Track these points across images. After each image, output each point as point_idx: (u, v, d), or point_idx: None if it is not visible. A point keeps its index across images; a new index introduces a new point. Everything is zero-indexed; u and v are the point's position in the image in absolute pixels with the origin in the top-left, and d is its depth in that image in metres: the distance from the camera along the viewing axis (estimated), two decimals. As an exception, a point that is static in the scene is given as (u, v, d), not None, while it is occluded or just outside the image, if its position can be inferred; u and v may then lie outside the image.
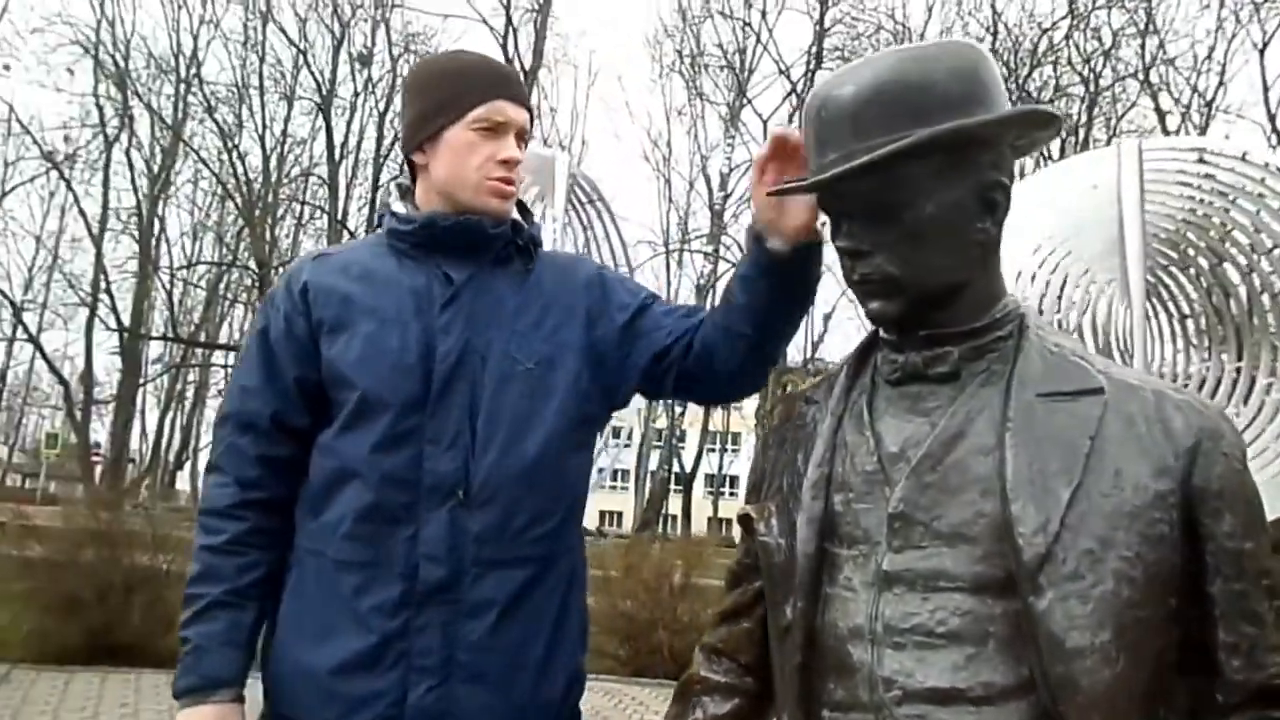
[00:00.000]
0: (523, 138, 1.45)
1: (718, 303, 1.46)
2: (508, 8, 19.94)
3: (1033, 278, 4.05)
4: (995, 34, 19.50)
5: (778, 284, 1.33)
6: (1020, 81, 18.92)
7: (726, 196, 22.73)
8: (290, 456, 1.41)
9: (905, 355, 1.00)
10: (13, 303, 24.13)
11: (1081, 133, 17.76)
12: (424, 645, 1.31)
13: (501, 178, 1.41)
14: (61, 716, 5.17)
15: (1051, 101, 19.04)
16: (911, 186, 0.95)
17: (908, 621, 0.90)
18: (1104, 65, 18.60)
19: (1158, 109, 18.03)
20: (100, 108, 22.40)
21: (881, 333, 1.06)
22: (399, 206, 1.46)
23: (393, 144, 21.61)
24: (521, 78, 1.56)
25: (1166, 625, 0.87)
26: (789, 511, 1.02)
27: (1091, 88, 18.57)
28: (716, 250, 22.21)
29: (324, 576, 1.35)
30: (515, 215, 1.48)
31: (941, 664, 0.88)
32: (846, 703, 0.93)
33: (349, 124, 23.19)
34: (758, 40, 23.32)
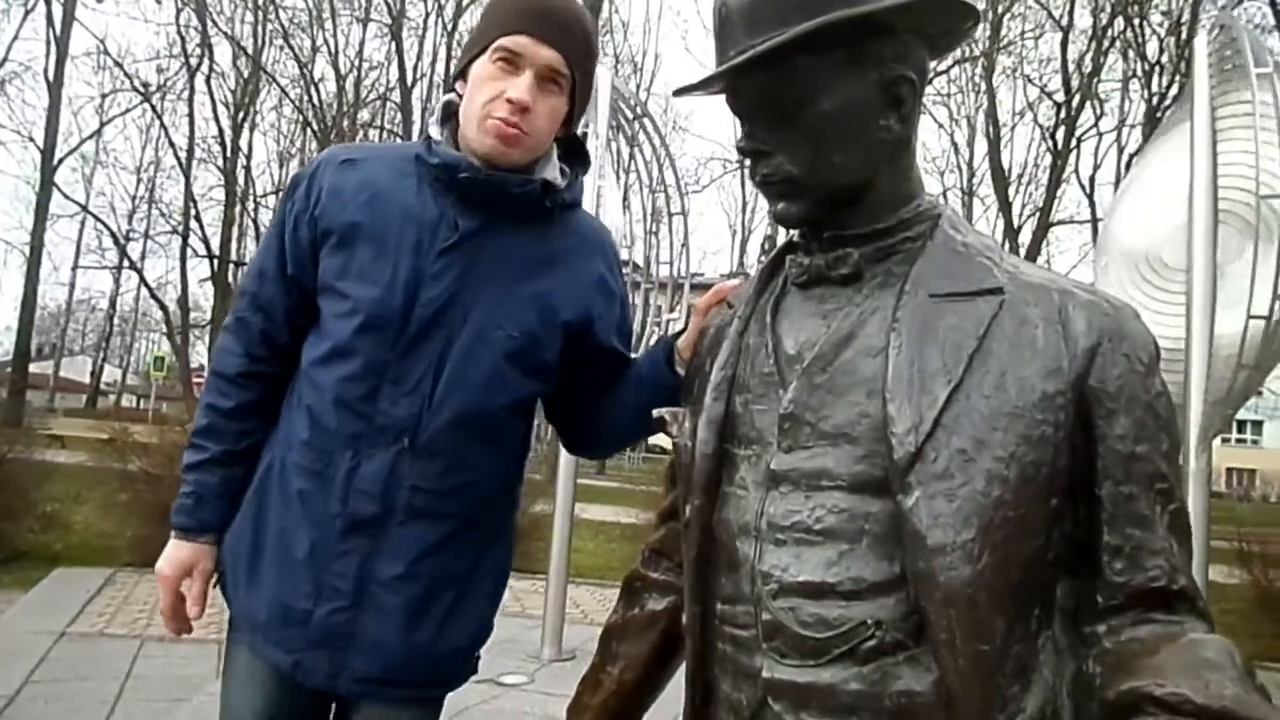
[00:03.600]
0: (552, 79, 1.36)
1: (609, 390, 1.48)
2: (576, -81, 19.42)
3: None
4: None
5: (662, 398, 1.30)
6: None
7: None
8: (289, 343, 1.48)
9: (811, 258, 1.00)
10: (113, 234, 25.36)
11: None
12: (341, 568, 1.36)
13: (503, 118, 1.33)
14: (158, 614, 5.59)
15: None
16: (807, 82, 0.92)
17: (789, 519, 0.91)
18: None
19: (1274, 4, 16.50)
20: (183, 37, 22.96)
21: (794, 235, 1.04)
22: (435, 131, 1.44)
23: (463, 66, 21.58)
24: (575, 12, 1.40)
25: (1045, 526, 0.86)
26: (696, 414, 1.03)
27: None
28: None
29: (283, 477, 1.42)
30: (551, 174, 1.43)
31: (815, 559, 0.89)
32: (733, 596, 0.96)
33: (420, 45, 23.21)
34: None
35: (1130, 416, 0.87)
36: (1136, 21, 17.89)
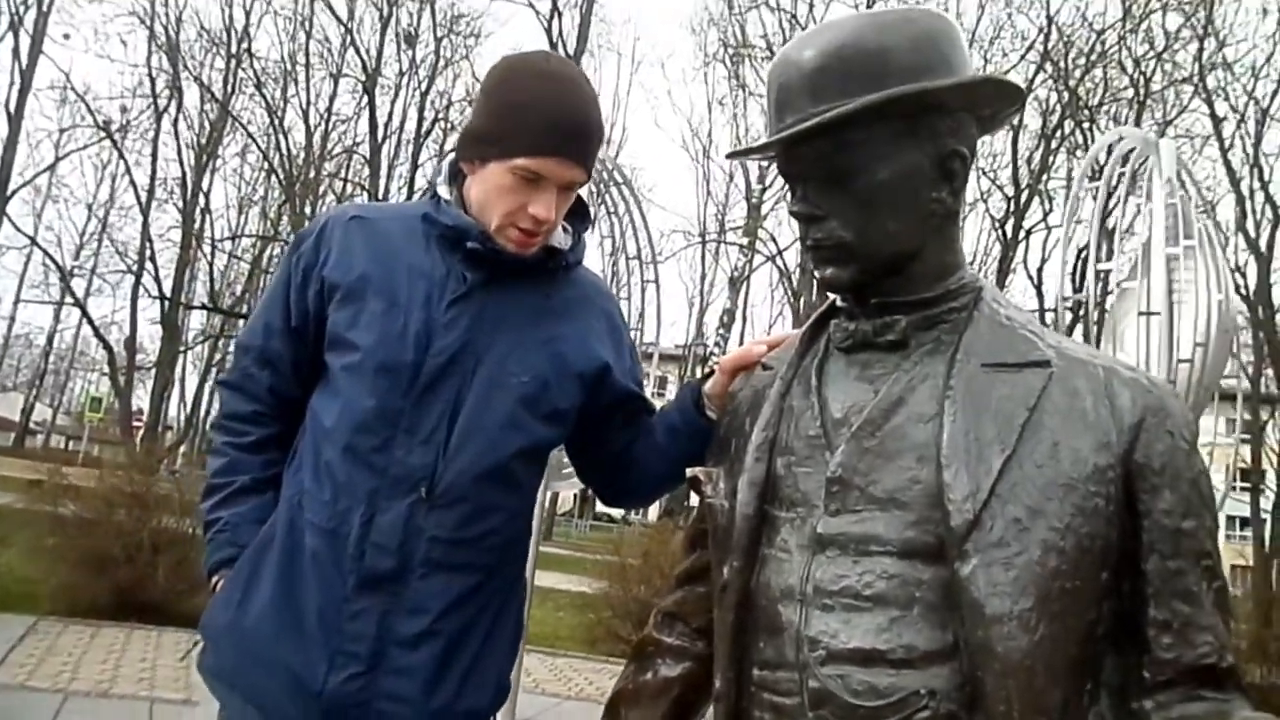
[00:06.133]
0: (571, 187, 1.39)
1: (640, 437, 1.49)
2: (553, -8, 19.94)
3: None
4: (1048, 36, 19.13)
5: (697, 444, 1.31)
6: (1071, 85, 18.56)
7: (764, 190, 22.58)
8: (300, 398, 1.45)
9: (856, 323, 1.01)
10: (60, 268, 24.75)
11: (1129, 138, 17.31)
12: (356, 630, 1.30)
13: (526, 229, 1.36)
14: (83, 668, 5.31)
15: (1100, 105, 18.62)
16: (865, 151, 0.95)
17: (837, 584, 0.90)
18: (1155, 68, 18.18)
19: (1213, 115, 17.57)
20: (152, 79, 22.86)
21: (838, 300, 1.06)
22: (444, 191, 1.44)
23: (433, 125, 21.81)
24: (596, 121, 1.39)
25: (1099, 599, 0.87)
26: (734, 474, 1.03)
27: (1142, 92, 18.16)
28: (752, 244, 22.07)
29: (290, 537, 1.36)
30: (555, 240, 1.43)
31: (865, 626, 0.88)
32: (774, 661, 0.94)
33: (393, 104, 23.36)
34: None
35: (1176, 492, 0.88)
36: (1085, 125, 18.81)
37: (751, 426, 1.04)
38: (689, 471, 1.09)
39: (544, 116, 1.33)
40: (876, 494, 0.92)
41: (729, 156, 1.08)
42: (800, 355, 1.06)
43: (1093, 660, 0.87)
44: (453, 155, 1.49)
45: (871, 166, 0.95)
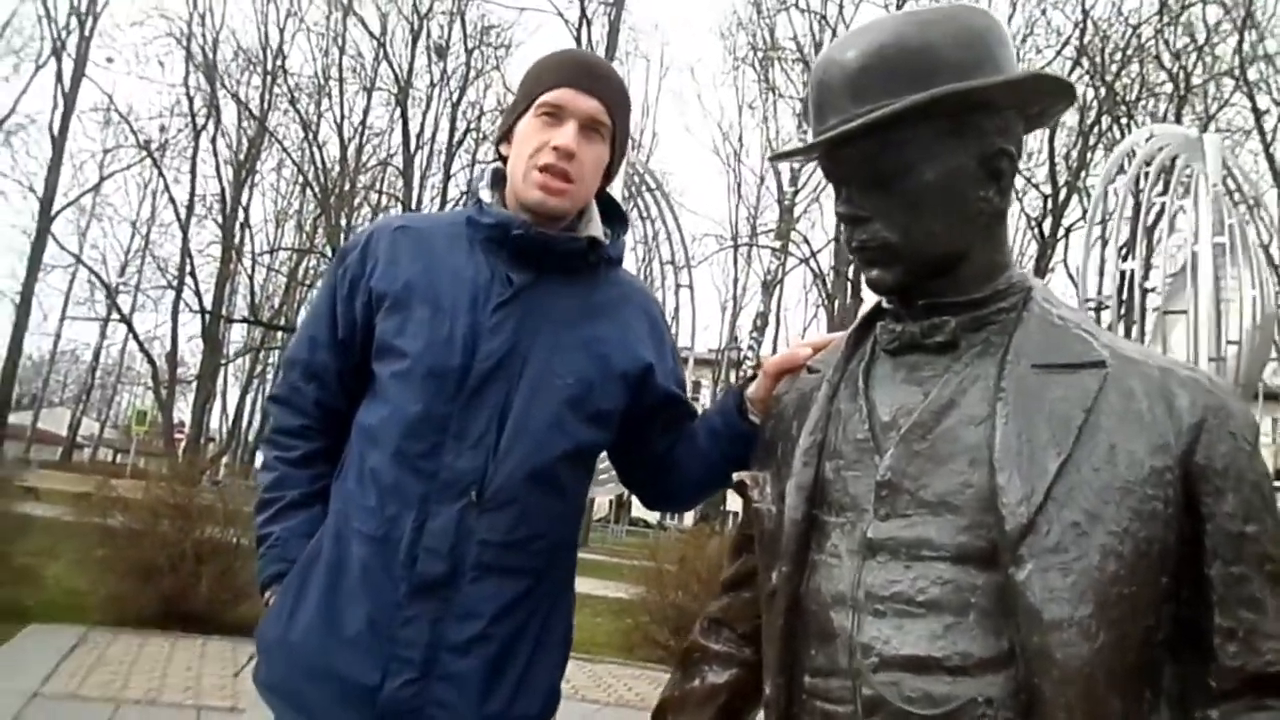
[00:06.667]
0: (594, 128, 1.40)
1: (682, 440, 1.48)
2: (582, 1, 20.03)
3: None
4: (1083, 31, 18.85)
5: (740, 448, 1.30)
6: (1108, 80, 18.28)
7: (796, 192, 22.46)
8: (344, 410, 1.47)
9: (903, 325, 0.99)
10: (106, 285, 25.33)
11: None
12: (409, 636, 1.31)
13: (548, 165, 1.37)
14: (132, 678, 5.40)
15: (1139, 101, 18.33)
16: (910, 151, 0.94)
17: (889, 589, 0.89)
18: (1195, 62, 17.86)
19: (1255, 108, 17.21)
20: (190, 98, 23.35)
21: (883, 302, 1.04)
22: (485, 195, 1.47)
23: (464, 135, 22.05)
24: (610, 68, 1.50)
25: (1157, 604, 0.84)
26: (781, 479, 1.02)
27: (1182, 86, 17.83)
28: (785, 247, 21.95)
29: (339, 547, 1.37)
30: (595, 231, 1.45)
31: (919, 632, 0.86)
32: (826, 668, 0.92)
33: (424, 115, 23.65)
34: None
35: (1239, 495, 0.86)
36: (1123, 121, 18.50)
37: (798, 430, 1.03)
38: (735, 476, 1.08)
39: (558, 61, 1.46)
40: (927, 498, 0.90)
41: (770, 159, 1.09)
42: (846, 358, 1.05)
43: (1151, 667, 0.85)
44: (496, 164, 1.52)
45: (916, 167, 0.94)
